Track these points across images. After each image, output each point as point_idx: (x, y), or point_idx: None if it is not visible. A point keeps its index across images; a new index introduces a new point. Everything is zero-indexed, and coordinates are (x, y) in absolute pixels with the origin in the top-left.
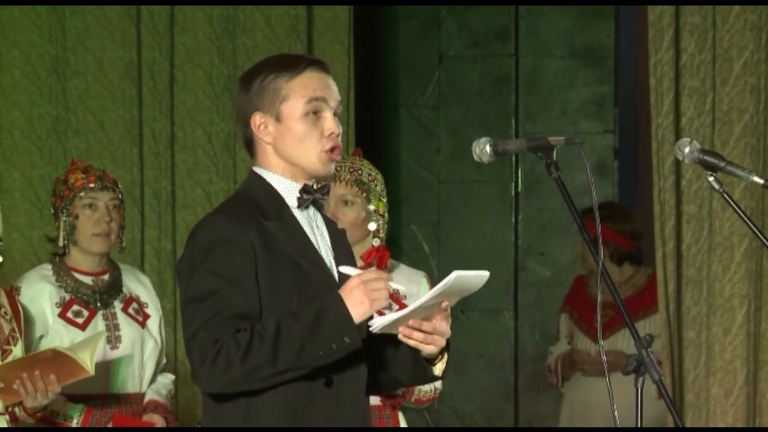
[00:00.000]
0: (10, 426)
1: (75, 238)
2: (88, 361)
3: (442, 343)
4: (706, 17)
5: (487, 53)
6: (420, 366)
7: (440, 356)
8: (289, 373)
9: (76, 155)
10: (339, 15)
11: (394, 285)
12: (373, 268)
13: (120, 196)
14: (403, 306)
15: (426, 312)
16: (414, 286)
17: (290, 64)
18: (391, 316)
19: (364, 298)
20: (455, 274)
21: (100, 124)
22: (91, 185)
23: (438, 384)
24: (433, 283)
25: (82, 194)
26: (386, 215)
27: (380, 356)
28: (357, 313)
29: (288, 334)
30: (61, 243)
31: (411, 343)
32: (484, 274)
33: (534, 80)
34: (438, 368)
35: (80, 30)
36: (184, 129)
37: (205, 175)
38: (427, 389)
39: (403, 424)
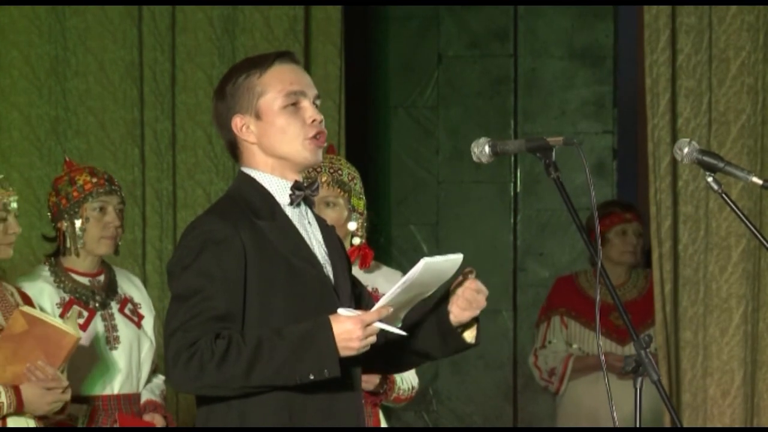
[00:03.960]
0: (37, 426)
1: (83, 241)
2: (64, 324)
3: (481, 305)
4: (702, 18)
5: (486, 53)
6: (452, 337)
7: (471, 324)
8: (262, 387)
9: (77, 156)
10: (331, 15)
11: (384, 326)
12: (373, 310)
13: (124, 199)
14: None
15: (408, 299)
16: (392, 285)
17: (259, 61)
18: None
19: (354, 341)
20: (423, 262)
21: (101, 124)
22: (102, 189)
23: (415, 383)
24: None
25: (92, 197)
26: (365, 213)
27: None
28: (341, 348)
29: (268, 352)
30: (68, 244)
31: (395, 331)
32: (456, 258)
33: (533, 81)
34: (469, 335)
35: (81, 30)
36: (184, 129)
37: (206, 175)
38: (405, 387)
39: (383, 422)
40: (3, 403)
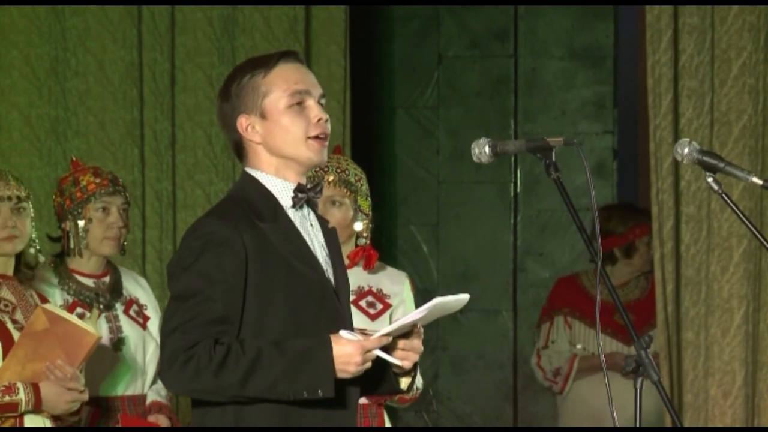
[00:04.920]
0: (53, 426)
1: (87, 241)
2: (84, 323)
3: (416, 359)
4: (704, 18)
5: (487, 54)
6: (388, 379)
7: (410, 371)
8: (255, 398)
9: (77, 156)
10: (335, 15)
11: (382, 354)
12: (374, 337)
13: (128, 199)
14: (387, 305)
15: (403, 330)
16: (396, 286)
17: (263, 61)
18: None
19: (351, 365)
20: (435, 301)
21: (101, 125)
22: (105, 189)
23: (419, 384)
24: (414, 285)
25: (95, 198)
26: (371, 214)
27: None
28: (339, 370)
29: (266, 365)
30: (72, 245)
31: (393, 360)
32: (464, 298)
33: (533, 81)
34: (404, 382)
35: (81, 30)
36: (184, 130)
37: (205, 176)
38: None
39: (387, 422)
40: (21, 400)
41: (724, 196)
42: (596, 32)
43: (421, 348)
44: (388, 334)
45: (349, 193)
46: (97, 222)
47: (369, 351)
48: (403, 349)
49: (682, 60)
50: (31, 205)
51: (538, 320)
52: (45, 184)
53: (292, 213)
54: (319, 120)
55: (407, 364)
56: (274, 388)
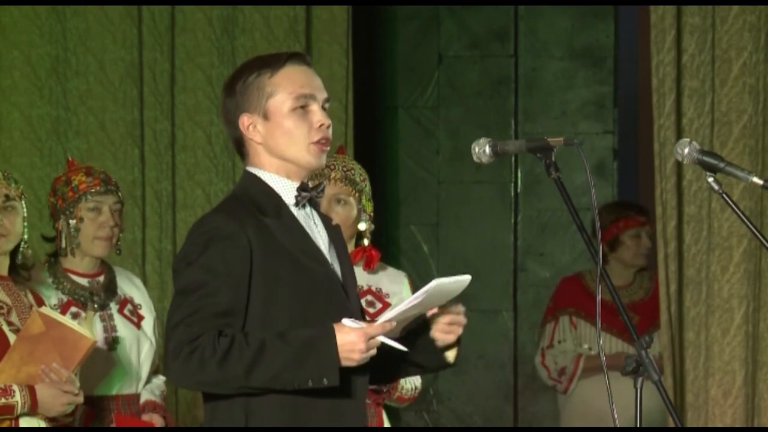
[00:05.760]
0: (48, 426)
1: (78, 241)
2: (80, 327)
3: (460, 332)
4: (705, 18)
5: (487, 54)
6: (435, 353)
7: (454, 345)
8: (260, 389)
9: (77, 156)
10: (337, 15)
11: (386, 340)
12: (377, 324)
13: (121, 198)
14: (386, 304)
15: (412, 315)
16: (396, 286)
17: (270, 61)
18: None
19: (356, 353)
20: (435, 282)
21: (101, 125)
22: (96, 188)
23: (418, 383)
24: (413, 285)
25: (87, 197)
26: (373, 216)
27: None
28: (343, 358)
29: (270, 355)
30: (64, 245)
31: (397, 346)
32: (465, 279)
33: (533, 81)
34: (451, 355)
35: (81, 31)
36: (184, 130)
37: (205, 175)
38: (409, 387)
39: (386, 421)
40: (17, 402)
41: (724, 196)
42: (596, 32)
43: (465, 320)
44: (390, 320)
45: (354, 192)
46: (88, 222)
47: (373, 338)
48: (449, 323)
49: (684, 60)
50: (23, 205)
51: (542, 320)
52: (46, 184)
53: (295, 211)
54: (321, 125)
55: (452, 338)
56: (279, 378)
